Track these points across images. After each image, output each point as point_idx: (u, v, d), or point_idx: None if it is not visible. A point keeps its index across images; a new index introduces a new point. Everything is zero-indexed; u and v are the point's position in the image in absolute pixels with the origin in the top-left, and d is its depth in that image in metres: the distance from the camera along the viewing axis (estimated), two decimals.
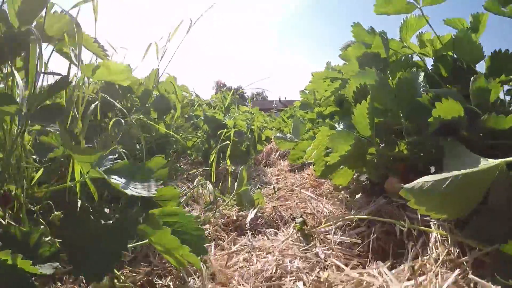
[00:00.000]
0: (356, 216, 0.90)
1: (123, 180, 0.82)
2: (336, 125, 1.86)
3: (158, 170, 1.39)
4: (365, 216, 0.88)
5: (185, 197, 1.52)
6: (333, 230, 0.91)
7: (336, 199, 1.17)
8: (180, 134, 2.76)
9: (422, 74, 1.11)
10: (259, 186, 1.83)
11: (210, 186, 1.34)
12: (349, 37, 1.33)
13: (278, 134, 2.42)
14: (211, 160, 1.36)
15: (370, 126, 0.98)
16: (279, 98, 27.90)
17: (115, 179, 0.83)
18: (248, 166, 2.55)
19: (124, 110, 2.10)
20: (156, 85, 2.61)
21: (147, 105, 2.56)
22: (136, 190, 0.76)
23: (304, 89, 3.98)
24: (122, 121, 1.38)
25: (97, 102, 1.32)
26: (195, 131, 2.75)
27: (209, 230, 1.12)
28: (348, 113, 1.32)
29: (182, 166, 2.29)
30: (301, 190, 1.41)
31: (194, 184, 1.69)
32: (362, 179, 1.31)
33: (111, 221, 0.79)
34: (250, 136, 3.16)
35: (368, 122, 0.97)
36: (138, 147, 2.08)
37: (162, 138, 2.28)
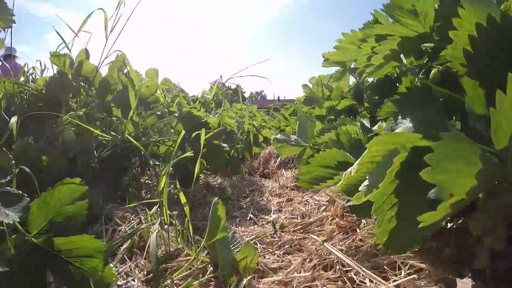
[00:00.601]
0: None
1: None
2: (365, 123, 1.26)
3: (74, 202, 0.84)
4: None
5: (127, 243, 0.91)
6: None
7: (406, 282, 0.56)
8: (154, 137, 2.15)
9: None
10: (252, 215, 1.22)
11: (153, 237, 0.72)
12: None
13: (278, 136, 1.80)
14: (162, 186, 0.76)
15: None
16: (278, 97, 27.27)
17: None
18: (239, 178, 1.94)
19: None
20: (118, 74, 2.00)
21: (109, 99, 1.97)
22: None
23: (309, 81, 3.41)
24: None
25: None
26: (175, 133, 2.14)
27: None
28: (413, 101, 0.72)
29: (147, 181, 1.68)
30: (325, 243, 0.79)
31: (149, 215, 1.07)
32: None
33: None
34: (245, 137, 2.54)
35: None
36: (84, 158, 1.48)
37: (128, 143, 1.67)
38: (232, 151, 1.87)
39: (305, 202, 1.26)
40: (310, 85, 3.54)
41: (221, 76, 1.85)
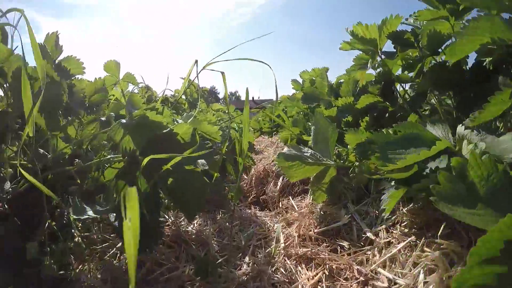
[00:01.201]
0: None
1: None
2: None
3: None
4: None
5: None
6: None
7: None
8: (103, 153, 1.47)
9: None
10: None
11: None
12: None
13: (286, 150, 1.20)
14: None
15: None
16: (253, 98, 26.68)
17: None
18: (226, 214, 1.31)
19: None
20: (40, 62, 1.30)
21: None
22: None
23: (300, 75, 2.86)
24: None
25: None
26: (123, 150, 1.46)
27: None
28: None
29: (79, 239, 1.00)
30: None
31: None
32: None
33: None
34: (228, 145, 1.90)
35: None
36: None
37: (56, 167, 1.01)
38: (215, 174, 1.24)
39: (361, 280, 0.66)
40: (301, 81, 2.99)
41: (196, 62, 1.11)
